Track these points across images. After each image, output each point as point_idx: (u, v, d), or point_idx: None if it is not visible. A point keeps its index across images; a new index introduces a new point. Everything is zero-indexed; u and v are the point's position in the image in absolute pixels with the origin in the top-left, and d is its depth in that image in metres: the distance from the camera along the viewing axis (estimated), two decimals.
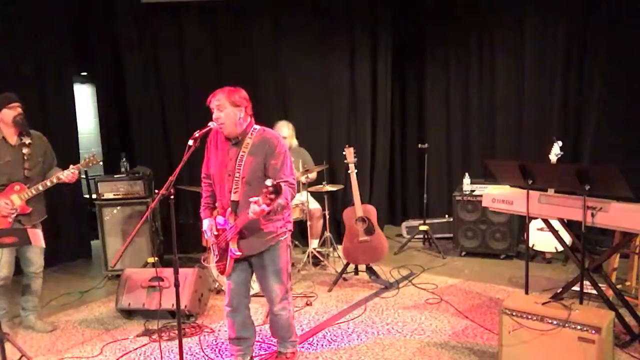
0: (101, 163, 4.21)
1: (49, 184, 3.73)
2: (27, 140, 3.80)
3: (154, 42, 5.80)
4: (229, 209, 2.94)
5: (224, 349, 3.54)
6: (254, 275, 3.18)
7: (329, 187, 5.07)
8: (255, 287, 3.83)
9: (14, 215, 3.67)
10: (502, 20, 5.80)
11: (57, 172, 3.82)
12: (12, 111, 3.73)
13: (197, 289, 4.07)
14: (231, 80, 3.12)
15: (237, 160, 2.92)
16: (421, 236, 6.01)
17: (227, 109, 2.90)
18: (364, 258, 4.64)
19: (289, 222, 3.10)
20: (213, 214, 3.12)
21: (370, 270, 4.73)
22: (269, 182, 2.55)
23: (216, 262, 3.08)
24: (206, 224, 3.11)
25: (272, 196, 2.56)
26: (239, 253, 2.93)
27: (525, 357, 2.96)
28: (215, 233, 3.04)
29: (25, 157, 3.76)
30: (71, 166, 3.78)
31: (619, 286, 3.81)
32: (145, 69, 5.82)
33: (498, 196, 3.91)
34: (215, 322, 4.02)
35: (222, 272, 3.07)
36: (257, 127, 3.03)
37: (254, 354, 3.37)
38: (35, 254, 3.87)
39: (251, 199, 2.66)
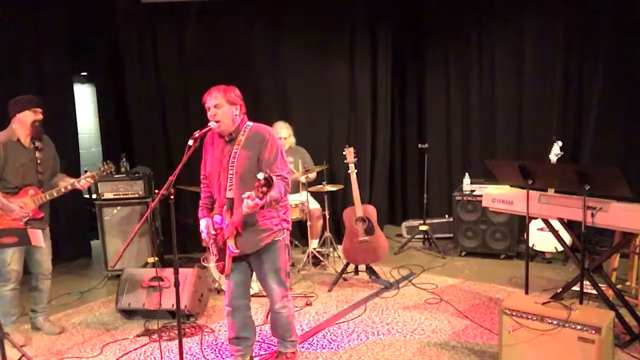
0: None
1: (63, 190, 3.70)
2: (40, 145, 3.76)
3: (154, 42, 5.80)
4: (225, 206, 2.95)
5: (224, 349, 3.54)
6: (254, 275, 3.19)
7: (329, 187, 5.06)
8: (255, 287, 3.83)
9: (26, 219, 3.62)
10: (502, 20, 5.80)
11: (64, 178, 3.81)
12: (34, 115, 3.68)
13: (197, 289, 4.07)
14: (231, 81, 3.12)
15: (231, 157, 2.93)
16: (421, 236, 6.01)
17: (224, 107, 2.92)
18: (364, 258, 4.64)
19: (286, 221, 3.08)
20: (210, 215, 3.12)
21: (370, 270, 4.72)
22: (260, 175, 2.52)
23: (215, 262, 3.08)
24: (203, 223, 3.10)
25: (264, 189, 2.53)
26: (236, 251, 2.93)
27: (525, 357, 2.96)
28: (213, 232, 3.04)
29: (38, 161, 3.72)
30: (87, 173, 3.78)
31: (619, 286, 3.81)
32: (145, 69, 5.81)
33: (498, 196, 3.92)
34: (215, 322, 4.02)
35: (221, 272, 3.07)
36: (250, 123, 3.04)
37: (253, 354, 3.38)
38: (43, 255, 3.82)
39: (244, 195, 2.65)
